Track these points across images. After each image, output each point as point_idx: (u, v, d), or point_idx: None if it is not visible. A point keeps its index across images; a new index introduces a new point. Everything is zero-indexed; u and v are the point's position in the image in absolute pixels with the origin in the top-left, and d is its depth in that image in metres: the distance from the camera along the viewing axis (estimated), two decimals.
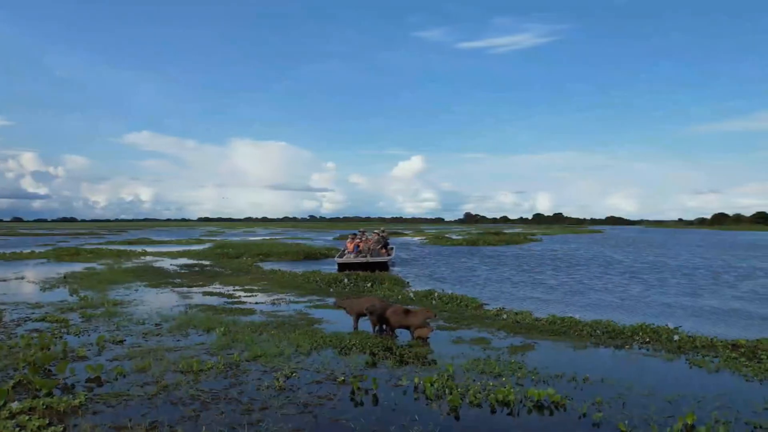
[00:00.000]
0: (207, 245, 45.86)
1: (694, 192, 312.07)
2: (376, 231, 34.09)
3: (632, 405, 6.75)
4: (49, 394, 6.81)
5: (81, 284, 18.28)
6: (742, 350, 9.43)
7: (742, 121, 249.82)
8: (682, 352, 9.54)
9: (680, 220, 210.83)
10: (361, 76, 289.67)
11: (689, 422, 5.99)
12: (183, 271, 24.07)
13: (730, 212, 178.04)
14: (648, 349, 9.75)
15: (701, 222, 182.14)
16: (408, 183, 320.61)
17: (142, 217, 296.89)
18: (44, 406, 6.32)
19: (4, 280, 19.89)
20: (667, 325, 11.07)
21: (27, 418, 5.93)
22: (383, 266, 25.32)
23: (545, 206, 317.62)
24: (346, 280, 18.71)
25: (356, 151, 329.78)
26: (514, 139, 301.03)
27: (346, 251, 28.13)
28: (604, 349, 9.81)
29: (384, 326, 10.79)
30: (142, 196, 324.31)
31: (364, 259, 25.62)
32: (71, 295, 16.03)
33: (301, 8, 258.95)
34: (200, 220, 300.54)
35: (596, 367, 8.56)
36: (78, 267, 25.14)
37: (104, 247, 41.44)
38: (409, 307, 11.32)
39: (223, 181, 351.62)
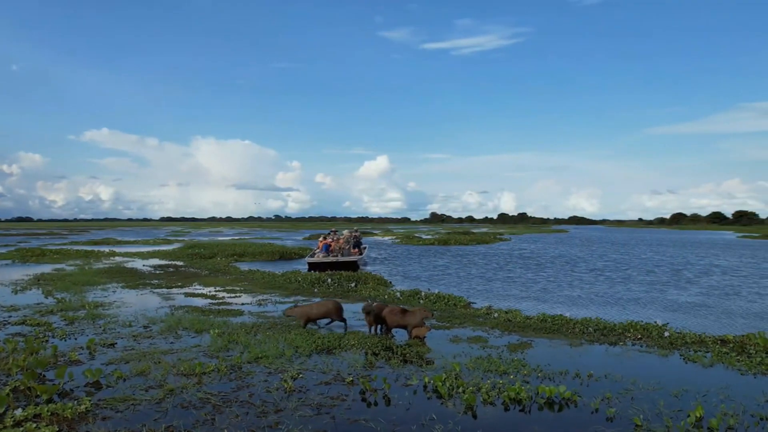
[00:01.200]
0: (176, 245, 44.99)
1: (652, 192, 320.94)
2: (346, 231, 34.14)
3: (640, 400, 6.90)
4: (50, 400, 6.57)
5: (55, 286, 17.67)
6: (731, 345, 9.74)
7: (697, 123, 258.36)
8: (675, 347, 9.80)
9: (640, 219, 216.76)
10: (325, 74, 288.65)
11: (698, 415, 6.15)
12: (158, 271, 23.53)
13: (687, 212, 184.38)
14: (642, 346, 9.98)
15: (661, 221, 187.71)
16: (373, 183, 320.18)
17: (102, 217, 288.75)
18: (49, 413, 6.09)
19: None
20: (655, 322, 11.35)
21: (34, 425, 5.70)
22: (353, 266, 25.41)
23: (509, 206, 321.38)
24: (329, 281, 18.59)
25: (321, 150, 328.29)
26: (477, 139, 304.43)
27: (317, 251, 28.23)
28: (599, 346, 10.00)
29: (381, 326, 10.77)
30: (102, 195, 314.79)
31: (334, 259, 25.72)
32: (46, 297, 15.50)
33: (265, 6, 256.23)
34: (162, 219, 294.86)
35: (596, 363, 8.72)
36: (46, 268, 24.33)
37: (69, 247, 40.19)
38: (406, 306, 11.31)
39: (185, 180, 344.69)
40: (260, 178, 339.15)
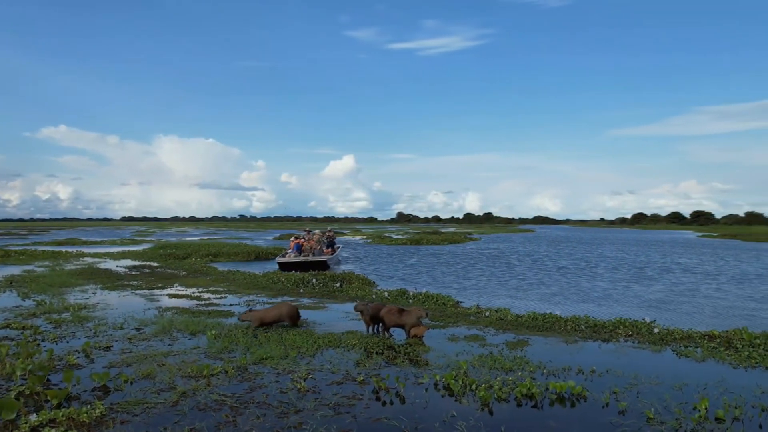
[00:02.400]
0: (145, 246, 44.11)
1: (612, 193, 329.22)
2: (317, 231, 34.14)
3: (645, 394, 7.15)
4: (60, 405, 6.43)
5: (30, 288, 17.16)
6: (718, 340, 10.14)
7: (656, 126, 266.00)
8: (665, 343, 10.15)
9: (602, 219, 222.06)
10: (291, 73, 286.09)
11: (705, 407, 6.41)
12: (134, 272, 23.05)
13: (646, 212, 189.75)
14: (634, 342, 10.30)
15: (622, 221, 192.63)
16: (339, 182, 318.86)
17: (60, 217, 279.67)
18: (65, 418, 5.96)
19: None
20: (644, 319, 11.72)
21: (53, 431, 5.58)
22: (323, 265, 25.58)
23: (474, 206, 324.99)
24: (314, 281, 18.55)
25: (287, 149, 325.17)
26: (443, 140, 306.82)
27: (289, 251, 28.30)
28: (593, 343, 10.27)
29: (378, 326, 10.83)
30: (60, 194, 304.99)
31: (304, 259, 25.82)
32: (23, 299, 15.04)
33: (230, 3, 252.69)
34: (124, 219, 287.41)
35: (595, 359, 8.96)
36: (15, 270, 23.53)
37: (33, 248, 38.95)
38: (403, 306, 11.40)
39: (147, 179, 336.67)
40: (224, 177, 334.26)
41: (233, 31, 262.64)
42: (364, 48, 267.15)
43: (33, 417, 5.89)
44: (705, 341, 10.14)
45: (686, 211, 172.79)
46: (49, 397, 6.51)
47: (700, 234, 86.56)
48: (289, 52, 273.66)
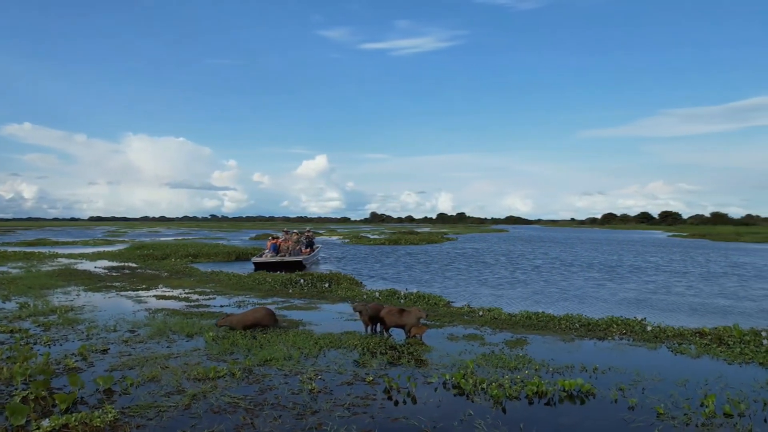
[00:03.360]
0: (120, 246, 43.27)
1: (582, 193, 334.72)
2: (295, 231, 34.17)
3: (651, 390, 7.31)
4: (67, 410, 6.29)
5: (9, 290, 16.68)
6: (709, 337, 10.42)
7: (625, 128, 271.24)
8: (659, 341, 10.39)
9: (572, 219, 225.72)
10: (263, 72, 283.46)
11: (712, 402, 6.58)
12: (114, 273, 22.59)
13: (615, 212, 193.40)
14: (629, 340, 10.52)
15: (593, 221, 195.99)
16: (312, 182, 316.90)
17: (24, 216, 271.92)
18: (77, 422, 5.83)
19: None
20: (635, 317, 11.97)
21: None
22: (299, 265, 25.80)
23: (446, 206, 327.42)
24: (302, 281, 18.44)
25: (259, 149, 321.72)
26: (415, 140, 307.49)
27: (266, 251, 28.50)
28: (589, 341, 10.45)
29: (378, 326, 10.83)
30: (24, 193, 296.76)
31: (279, 258, 26.08)
32: (4, 301, 14.62)
33: (202, 0, 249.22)
34: (92, 219, 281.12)
35: (595, 357, 9.12)
36: None
37: (4, 249, 37.83)
38: (403, 307, 11.43)
39: (116, 178, 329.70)
40: (195, 176, 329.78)
41: (205, 29, 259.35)
42: (337, 47, 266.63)
43: (45, 422, 5.75)
44: (696, 338, 10.41)
45: (654, 212, 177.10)
46: (57, 402, 6.35)
47: (670, 234, 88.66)
48: (262, 50, 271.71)
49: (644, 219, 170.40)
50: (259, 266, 25.71)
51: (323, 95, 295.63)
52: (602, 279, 22.39)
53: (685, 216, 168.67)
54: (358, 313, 10.96)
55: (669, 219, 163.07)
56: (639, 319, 11.78)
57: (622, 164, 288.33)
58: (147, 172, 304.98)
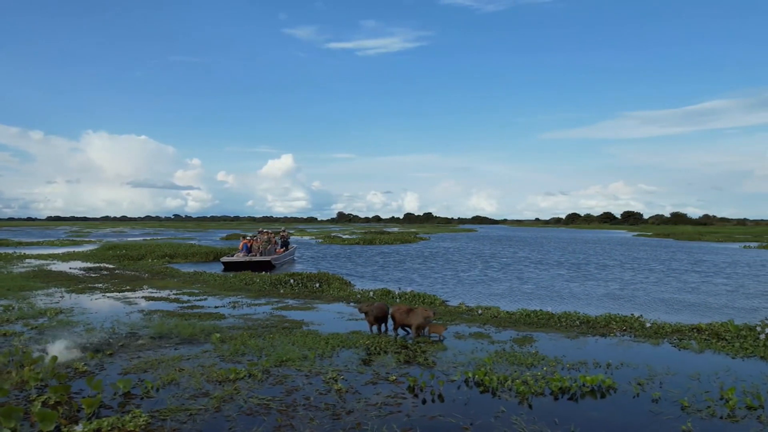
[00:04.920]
0: (88, 246, 42.19)
1: (545, 194, 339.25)
2: (269, 230, 34.04)
3: (668, 384, 7.52)
4: (93, 415, 6.11)
5: None
6: (707, 333, 10.75)
7: (586, 129, 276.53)
8: (659, 336, 10.67)
9: (537, 219, 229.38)
10: (228, 70, 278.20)
11: (731, 394, 6.81)
12: (92, 274, 21.97)
13: (578, 212, 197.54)
14: (631, 336, 10.78)
15: (557, 221, 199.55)
16: (278, 182, 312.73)
17: None
18: (110, 427, 5.67)
19: None
20: (632, 314, 12.26)
21: None
22: (268, 265, 25.97)
23: (413, 206, 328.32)
24: (292, 281, 18.28)
25: (223, 148, 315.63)
26: (381, 140, 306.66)
27: (239, 251, 28.58)
28: (592, 338, 10.67)
29: (383, 326, 10.82)
30: None
31: (247, 258, 26.27)
32: None
33: None
34: (50, 219, 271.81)
35: (605, 353, 9.32)
36: None
37: None
38: (411, 306, 11.47)
39: (74, 177, 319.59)
40: (158, 175, 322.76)
41: (168, 25, 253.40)
42: (303, 46, 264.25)
43: (78, 427, 5.58)
44: (695, 334, 10.74)
45: (616, 212, 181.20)
46: (83, 406, 6.16)
47: (635, 233, 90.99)
48: (227, 48, 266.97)
49: (607, 219, 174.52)
50: (228, 266, 25.90)
51: (289, 94, 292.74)
52: (585, 277, 22.89)
53: (645, 216, 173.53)
54: (363, 314, 10.91)
55: (631, 219, 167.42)
56: (636, 316, 12.08)
57: (583, 165, 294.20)
58: (108, 170, 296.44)
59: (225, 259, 27.05)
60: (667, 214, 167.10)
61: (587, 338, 10.62)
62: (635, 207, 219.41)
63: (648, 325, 11.36)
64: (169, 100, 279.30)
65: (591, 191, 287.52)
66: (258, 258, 26.45)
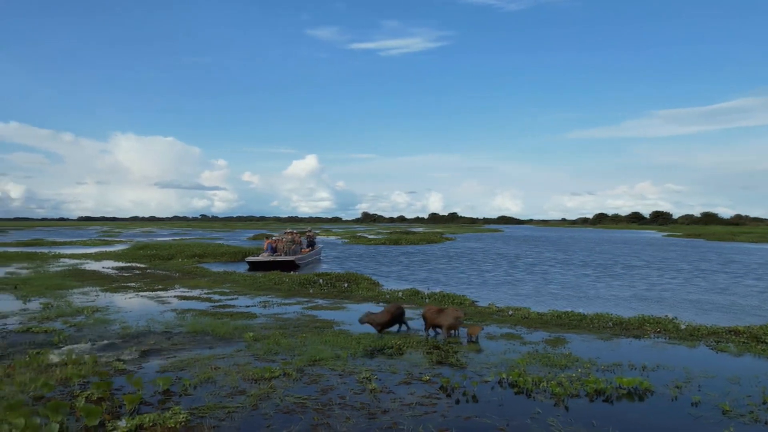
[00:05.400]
0: (119, 246, 43.03)
1: (571, 193, 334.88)
2: (294, 231, 34.35)
3: (706, 387, 7.39)
4: (134, 411, 6.24)
5: (26, 291, 16.51)
6: (745, 336, 10.52)
7: (612, 129, 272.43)
8: (695, 339, 10.48)
9: (563, 219, 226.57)
10: (252, 71, 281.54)
11: None
12: (124, 274, 22.43)
13: (605, 212, 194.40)
14: (665, 338, 10.61)
15: (584, 221, 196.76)
16: (302, 182, 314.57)
17: (11, 216, 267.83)
18: (152, 423, 5.79)
19: None
20: (666, 316, 12.06)
21: None
22: (291, 265, 26.40)
23: (437, 206, 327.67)
24: (321, 281, 18.42)
25: (248, 148, 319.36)
26: (404, 140, 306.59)
27: (264, 251, 29.14)
28: (625, 339, 10.53)
29: (399, 325, 10.87)
30: (11, 193, 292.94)
31: (271, 258, 26.78)
32: (25, 302, 14.47)
33: (191, 1, 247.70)
34: (81, 219, 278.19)
35: (640, 355, 9.19)
36: None
37: (2, 249, 37.45)
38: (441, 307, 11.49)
39: (104, 178, 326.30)
40: (184, 176, 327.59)
41: (193, 28, 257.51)
42: (325, 47, 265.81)
43: (122, 423, 5.71)
44: (732, 336, 10.52)
45: (644, 211, 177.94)
46: (125, 402, 6.31)
47: (664, 234, 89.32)
48: (250, 50, 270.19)
49: (635, 219, 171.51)
50: (253, 266, 26.44)
51: (312, 95, 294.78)
52: (613, 278, 22.57)
53: (674, 216, 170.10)
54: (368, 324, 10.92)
55: (660, 219, 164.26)
56: (670, 317, 11.88)
57: (609, 165, 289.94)
58: (136, 171, 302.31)
59: (250, 258, 27.61)
60: (696, 213, 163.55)
61: (620, 340, 10.48)
62: (663, 207, 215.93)
63: (683, 327, 11.17)
64: (195, 102, 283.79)
65: (618, 191, 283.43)
66: (282, 258, 26.84)
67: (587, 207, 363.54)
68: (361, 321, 10.94)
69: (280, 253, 28.07)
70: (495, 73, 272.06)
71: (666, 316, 12.12)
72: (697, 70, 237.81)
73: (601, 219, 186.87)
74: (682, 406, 6.64)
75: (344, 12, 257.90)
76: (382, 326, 10.74)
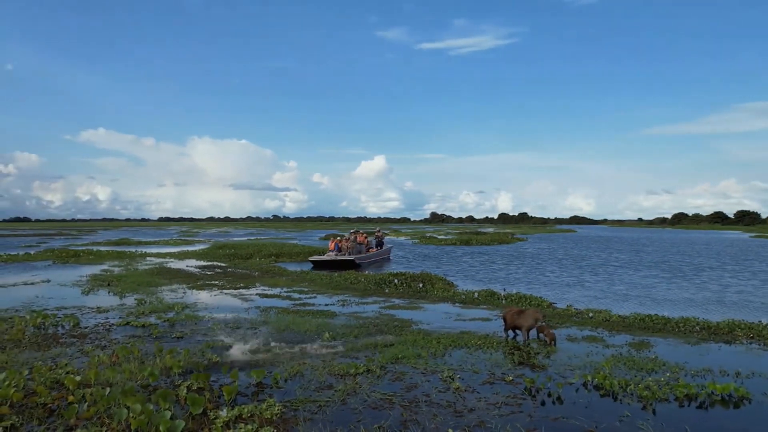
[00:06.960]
0: (199, 246, 45.05)
1: (648, 192, 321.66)
2: (360, 231, 34.83)
3: None
4: (231, 401, 6.63)
5: (119, 287, 17.69)
6: None
7: (692, 124, 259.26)
8: None
9: (640, 219, 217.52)
10: (321, 74, 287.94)
11: None
12: (207, 272, 23.56)
13: (684, 212, 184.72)
14: (759, 344, 10.11)
15: (662, 221, 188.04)
16: (371, 183, 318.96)
17: (99, 217, 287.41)
18: (249, 414, 6.15)
19: (31, 284, 19.10)
20: (760, 321, 11.48)
21: (250, 427, 5.76)
22: (352, 264, 27.07)
23: (507, 206, 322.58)
24: (396, 281, 18.68)
25: (318, 150, 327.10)
26: (472, 139, 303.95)
27: (330, 251, 30.00)
28: (715, 345, 10.12)
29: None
30: (99, 195, 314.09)
31: (331, 258, 27.64)
32: (120, 298, 15.55)
33: (261, 6, 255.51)
34: (161, 219, 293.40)
35: (731, 361, 8.84)
36: (92, 269, 24.29)
37: (93, 248, 40.07)
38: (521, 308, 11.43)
39: (182, 180, 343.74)
40: (257, 178, 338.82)
41: (264, 33, 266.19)
42: (395, 48, 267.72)
43: (223, 413, 6.11)
44: None
45: (728, 211, 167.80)
46: (224, 393, 6.72)
47: (752, 235, 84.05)
48: (320, 52, 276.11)
49: (718, 219, 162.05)
50: (316, 264, 27.56)
51: (380, 96, 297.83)
52: (698, 281, 21.56)
53: (763, 216, 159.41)
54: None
55: (746, 219, 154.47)
56: (764, 323, 11.30)
57: (689, 162, 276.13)
58: (211, 174, 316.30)
59: (313, 258, 28.83)
60: None
61: (709, 345, 10.08)
62: (749, 206, 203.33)
63: None
64: (267, 105, 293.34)
65: (698, 189, 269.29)
66: (340, 257, 27.73)
67: (665, 206, 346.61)
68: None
69: (344, 253, 28.85)
70: (566, 69, 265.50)
71: (760, 321, 11.52)
72: None
73: (680, 219, 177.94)
74: None
75: (412, 12, 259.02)
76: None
